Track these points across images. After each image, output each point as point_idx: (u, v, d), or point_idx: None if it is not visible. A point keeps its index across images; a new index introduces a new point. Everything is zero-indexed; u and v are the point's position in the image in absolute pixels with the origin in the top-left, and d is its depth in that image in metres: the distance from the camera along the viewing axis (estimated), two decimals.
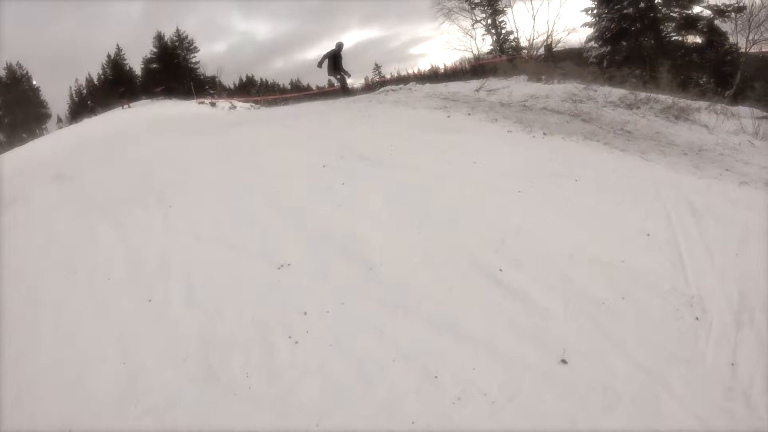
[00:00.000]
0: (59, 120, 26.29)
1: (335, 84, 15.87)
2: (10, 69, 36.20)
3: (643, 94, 10.98)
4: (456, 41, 30.96)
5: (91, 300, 4.25)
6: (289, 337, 3.52)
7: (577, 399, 2.95)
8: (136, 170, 7.22)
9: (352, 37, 61.08)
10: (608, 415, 2.87)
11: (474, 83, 12.66)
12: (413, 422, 2.86)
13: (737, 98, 16.30)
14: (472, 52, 30.00)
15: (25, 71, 36.84)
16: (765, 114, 10.33)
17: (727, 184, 6.30)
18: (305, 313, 3.71)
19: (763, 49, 24.76)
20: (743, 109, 10.76)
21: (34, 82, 37.14)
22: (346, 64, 14.54)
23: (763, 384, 3.05)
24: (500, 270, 4.03)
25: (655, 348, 3.32)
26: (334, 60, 14.10)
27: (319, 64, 14.15)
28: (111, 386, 3.37)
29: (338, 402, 3.04)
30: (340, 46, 14.28)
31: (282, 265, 4.29)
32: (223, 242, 4.83)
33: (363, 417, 2.93)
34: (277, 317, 3.73)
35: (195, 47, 35.74)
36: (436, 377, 3.10)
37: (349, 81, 15.15)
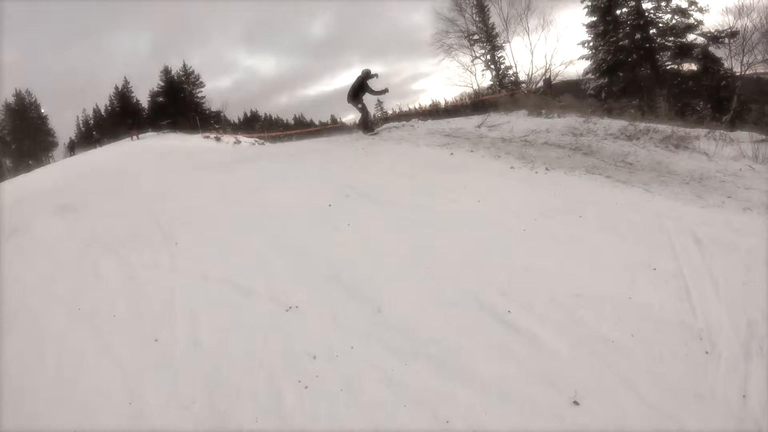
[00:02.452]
0: (71, 147, 26.47)
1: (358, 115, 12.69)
2: (18, 96, 36.78)
3: (642, 125, 11.09)
4: (456, 77, 31.07)
5: (96, 338, 4.18)
6: (299, 381, 3.48)
7: None
8: (142, 205, 7.22)
9: (354, 73, 61.92)
10: None
11: (475, 119, 12.76)
12: None
13: (735, 122, 16.43)
14: (472, 87, 30.41)
15: (33, 99, 37.44)
16: (763, 137, 10.40)
17: (729, 212, 6.34)
18: (314, 357, 3.68)
19: (758, 71, 25.08)
20: (742, 134, 10.85)
21: (42, 111, 37.71)
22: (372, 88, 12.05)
23: None
24: (509, 311, 4.03)
25: (666, 385, 3.30)
26: (360, 88, 11.91)
27: (349, 98, 12.13)
28: (116, 428, 3.32)
29: None
30: (366, 73, 11.95)
31: (290, 307, 4.28)
32: (229, 282, 4.79)
33: None
34: (285, 360, 3.69)
35: (201, 82, 36.64)
36: (447, 422, 3.07)
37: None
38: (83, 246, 5.94)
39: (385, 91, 12.27)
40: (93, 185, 8.90)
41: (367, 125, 12.39)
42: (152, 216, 6.62)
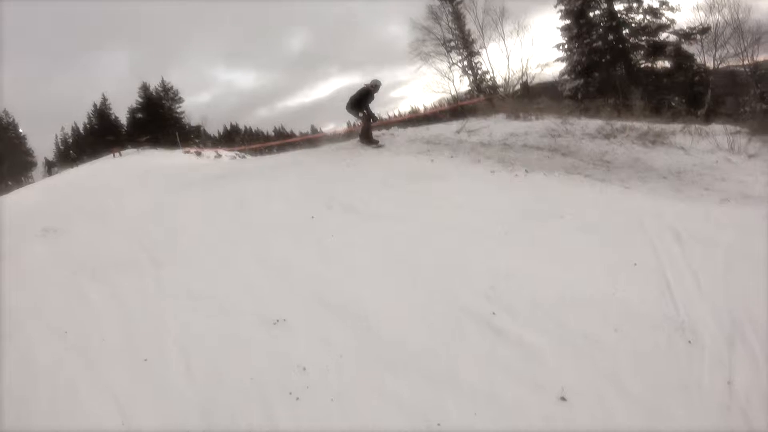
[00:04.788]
0: (49, 167, 25.90)
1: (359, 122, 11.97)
2: None
3: (618, 123, 11.26)
4: (434, 83, 31.17)
5: (88, 367, 4.08)
6: (290, 393, 3.46)
7: None
8: (126, 226, 7.13)
9: (333, 84, 62.18)
10: None
11: (455, 125, 12.80)
12: None
13: (710, 116, 16.68)
14: (450, 93, 30.47)
15: (12, 119, 36.45)
16: (738, 129, 10.57)
17: (708, 204, 6.43)
18: (304, 369, 3.67)
19: (730, 65, 25.59)
20: (717, 127, 11.05)
21: (21, 130, 36.78)
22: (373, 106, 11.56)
23: (760, 399, 3.12)
24: (493, 314, 4.06)
25: (652, 378, 3.35)
26: (363, 98, 11.33)
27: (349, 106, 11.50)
28: None
29: None
30: (374, 84, 11.47)
31: (277, 321, 4.26)
32: (216, 301, 4.75)
33: None
34: (276, 376, 3.67)
35: (180, 97, 36.31)
36: (438, 425, 3.10)
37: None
38: (69, 273, 5.80)
39: (373, 116, 11.77)
40: (76, 206, 8.65)
41: (368, 137, 11.58)
42: (136, 238, 6.54)
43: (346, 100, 11.37)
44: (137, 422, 3.47)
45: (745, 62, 25.93)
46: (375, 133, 12.02)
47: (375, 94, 11.53)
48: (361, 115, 11.53)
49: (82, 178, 12.98)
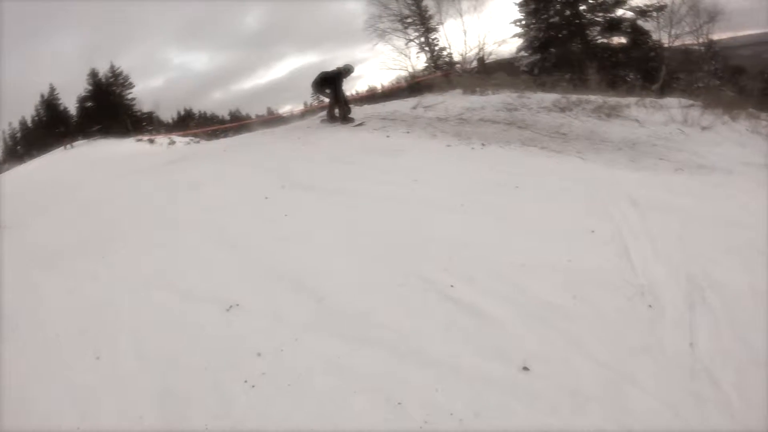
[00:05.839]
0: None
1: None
2: None
3: (574, 97, 11.38)
4: (391, 61, 30.98)
5: (42, 364, 3.86)
6: (245, 381, 3.33)
7: (545, 405, 2.92)
8: (77, 217, 6.86)
9: (289, 64, 61.35)
10: (579, 416, 2.84)
11: (411, 101, 12.77)
12: None
13: (664, 91, 16.93)
14: (407, 70, 30.31)
15: None
16: (692, 102, 10.70)
17: (662, 173, 6.53)
18: (259, 354, 3.53)
19: (686, 43, 26.17)
20: (671, 101, 11.24)
21: None
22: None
23: (724, 359, 3.14)
24: (451, 286, 4.00)
25: (615, 342, 3.35)
26: (332, 80, 11.08)
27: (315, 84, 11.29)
28: None
29: None
30: (347, 68, 11.29)
31: (231, 306, 4.11)
32: (169, 287, 4.58)
33: None
34: (231, 362, 3.54)
35: (130, 83, 34.65)
36: (400, 404, 2.99)
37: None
38: (19, 265, 5.53)
39: (346, 101, 11.47)
40: (27, 202, 8.33)
41: (333, 115, 11.30)
42: (88, 227, 6.29)
43: (311, 78, 11.17)
44: (91, 410, 3.33)
45: (700, 40, 26.57)
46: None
47: (345, 79, 11.30)
48: (328, 91, 11.27)
49: (33, 173, 12.66)
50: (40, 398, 3.53)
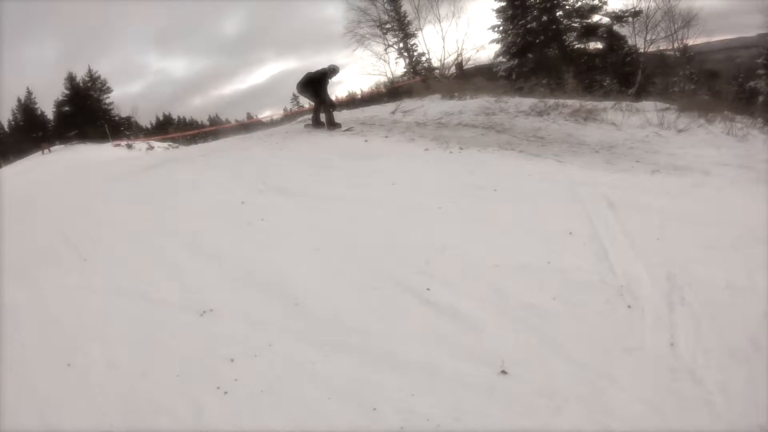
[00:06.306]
0: None
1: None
2: None
3: (551, 101, 11.45)
4: (370, 66, 31.04)
5: (11, 374, 3.71)
6: (218, 388, 3.25)
7: (524, 408, 2.88)
8: (50, 223, 6.71)
9: (269, 70, 61.29)
10: (557, 418, 2.81)
11: (390, 106, 12.82)
12: None
13: (640, 95, 17.21)
14: (386, 75, 30.42)
15: None
16: (667, 105, 10.81)
17: (639, 175, 6.57)
18: (232, 360, 3.46)
19: (661, 48, 26.63)
20: (647, 104, 11.34)
21: None
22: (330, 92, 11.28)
23: (705, 358, 3.11)
24: (428, 289, 3.96)
25: (594, 343, 3.32)
26: (317, 81, 10.85)
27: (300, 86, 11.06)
28: None
29: None
30: (332, 69, 11.06)
31: (205, 312, 4.03)
32: (142, 294, 4.48)
33: None
34: (204, 368, 3.45)
35: (108, 87, 34.45)
36: (375, 409, 2.93)
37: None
38: None
39: (332, 104, 11.39)
40: (1, 208, 8.19)
41: (318, 120, 11.02)
42: (61, 234, 6.15)
43: (295, 82, 11.07)
44: (57, 421, 3.21)
45: (675, 45, 27.08)
46: (309, 117, 11.65)
47: (330, 80, 11.11)
48: (314, 98, 11.05)
49: (7, 179, 12.45)
50: (6, 412, 3.37)
